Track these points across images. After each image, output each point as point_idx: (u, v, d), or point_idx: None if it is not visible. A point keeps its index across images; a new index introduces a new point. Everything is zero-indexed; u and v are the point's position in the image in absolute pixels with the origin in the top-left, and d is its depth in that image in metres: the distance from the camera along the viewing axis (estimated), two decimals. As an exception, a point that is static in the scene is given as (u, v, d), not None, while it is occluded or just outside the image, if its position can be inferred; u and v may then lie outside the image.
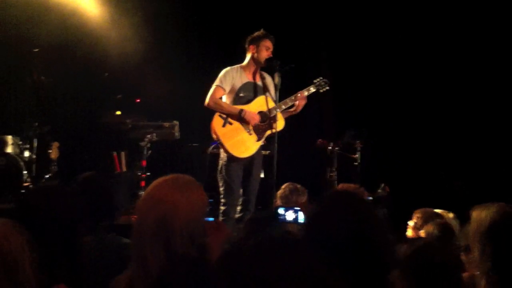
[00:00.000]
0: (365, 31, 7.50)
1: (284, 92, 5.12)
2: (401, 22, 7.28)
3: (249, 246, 1.19)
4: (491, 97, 7.02)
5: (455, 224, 3.61)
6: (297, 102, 5.16)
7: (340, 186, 4.53)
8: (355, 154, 6.31)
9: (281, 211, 2.42)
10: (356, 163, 6.29)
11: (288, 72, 5.06)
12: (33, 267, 1.62)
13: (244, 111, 4.99)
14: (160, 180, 1.92)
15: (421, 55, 7.30)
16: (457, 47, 7.12)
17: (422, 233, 3.34)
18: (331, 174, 6.45)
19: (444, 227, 3.28)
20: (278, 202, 4.44)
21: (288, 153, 6.76)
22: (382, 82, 7.47)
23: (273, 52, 5.13)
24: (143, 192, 1.95)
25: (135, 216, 6.15)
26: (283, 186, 4.50)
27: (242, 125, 5.03)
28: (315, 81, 5.35)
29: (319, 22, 7.93)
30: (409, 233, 3.64)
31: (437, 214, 3.67)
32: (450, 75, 7.22)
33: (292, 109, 5.21)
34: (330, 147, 6.39)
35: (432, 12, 7.20)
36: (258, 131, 5.07)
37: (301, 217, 2.39)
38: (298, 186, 4.45)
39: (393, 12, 7.31)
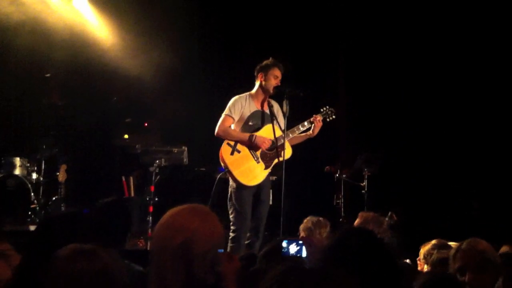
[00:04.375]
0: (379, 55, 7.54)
1: (292, 120, 5.12)
2: (417, 45, 7.29)
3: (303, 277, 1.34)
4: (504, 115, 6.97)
5: None
6: (316, 123, 5.13)
7: (361, 214, 4.54)
8: (362, 182, 6.30)
9: (284, 244, 2.38)
10: (363, 191, 6.28)
11: (297, 100, 5.07)
12: None
13: (255, 136, 5.01)
14: (177, 209, 1.95)
15: (425, 73, 7.29)
16: (465, 67, 7.11)
17: (427, 267, 3.33)
18: (338, 201, 6.45)
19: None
20: (302, 234, 4.52)
21: (296, 179, 6.76)
22: (390, 107, 7.48)
23: (283, 80, 5.14)
24: (160, 220, 1.97)
25: (142, 241, 6.07)
26: (305, 220, 4.60)
27: (250, 153, 5.04)
28: (322, 109, 5.35)
29: (332, 45, 8.02)
30: (419, 267, 3.62)
31: (444, 245, 3.64)
32: (461, 96, 7.16)
33: (309, 132, 5.20)
34: (337, 175, 6.40)
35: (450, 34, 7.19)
36: (266, 159, 5.07)
37: (304, 251, 2.34)
38: (321, 219, 4.56)
39: (407, 33, 7.32)
